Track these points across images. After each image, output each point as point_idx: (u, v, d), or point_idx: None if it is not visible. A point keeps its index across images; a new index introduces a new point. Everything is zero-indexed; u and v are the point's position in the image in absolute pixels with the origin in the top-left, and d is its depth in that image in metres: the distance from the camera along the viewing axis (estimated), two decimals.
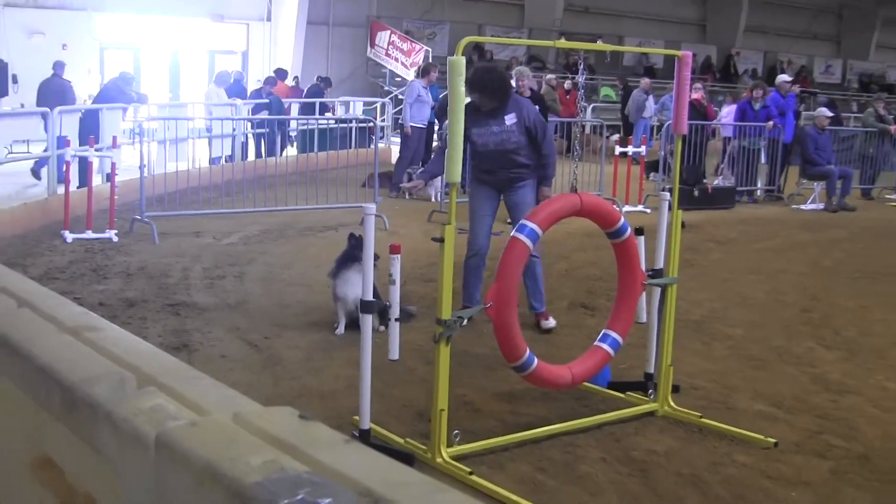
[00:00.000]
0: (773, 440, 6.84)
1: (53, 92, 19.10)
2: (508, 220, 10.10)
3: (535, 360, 6.62)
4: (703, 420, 7.14)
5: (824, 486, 6.23)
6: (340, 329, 9.10)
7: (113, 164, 14.13)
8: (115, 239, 13.02)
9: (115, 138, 15.15)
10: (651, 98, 26.36)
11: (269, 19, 31.37)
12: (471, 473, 5.97)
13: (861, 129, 24.16)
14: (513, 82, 16.98)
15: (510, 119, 9.19)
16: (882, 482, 6.35)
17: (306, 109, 24.14)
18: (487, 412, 7.29)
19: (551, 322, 9.63)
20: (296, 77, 28.10)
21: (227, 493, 1.64)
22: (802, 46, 47.20)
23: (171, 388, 2.07)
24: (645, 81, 27.27)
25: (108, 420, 1.98)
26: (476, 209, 9.58)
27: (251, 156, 22.00)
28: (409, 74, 26.89)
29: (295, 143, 23.15)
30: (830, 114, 22.19)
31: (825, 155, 21.01)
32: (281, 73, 26.32)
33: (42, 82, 19.89)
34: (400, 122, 19.90)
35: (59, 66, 20.02)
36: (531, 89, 16.44)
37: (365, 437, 6.26)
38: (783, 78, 22.94)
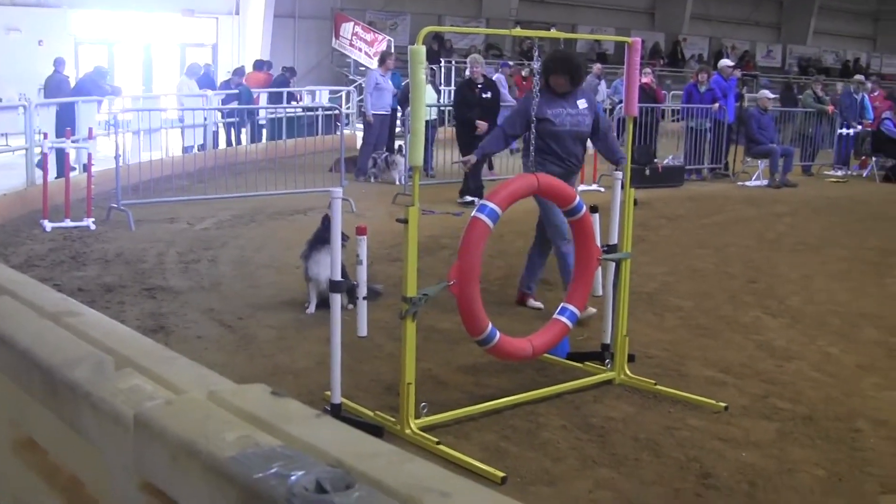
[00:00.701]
0: (723, 404, 6.88)
1: (51, 87, 19.25)
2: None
3: (498, 333, 6.62)
4: (657, 387, 7.18)
5: (772, 447, 6.27)
6: (311, 308, 9.08)
7: (89, 155, 14.02)
8: (93, 227, 12.92)
9: (90, 130, 15.06)
10: (603, 82, 26.37)
11: (237, 13, 31.19)
12: (438, 443, 5.97)
13: (801, 109, 24.25)
14: (467, 71, 17.05)
15: (582, 104, 8.96)
16: (825, 441, 6.40)
17: (274, 99, 24.05)
18: (453, 384, 7.29)
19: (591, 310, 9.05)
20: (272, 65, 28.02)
21: (204, 468, 1.63)
22: (745, 32, 47.37)
23: (148, 368, 2.05)
24: (597, 67, 27.24)
25: (87, 401, 1.96)
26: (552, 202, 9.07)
27: (222, 144, 21.90)
28: (373, 64, 26.77)
29: (264, 131, 23.07)
30: (772, 95, 22.28)
31: (768, 134, 21.10)
32: (259, 64, 26.32)
33: (46, 78, 19.98)
34: (362, 109, 19.84)
35: (59, 63, 20.05)
36: (483, 75, 16.45)
37: (336, 411, 6.24)
38: (725, 62, 23.00)
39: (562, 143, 8.90)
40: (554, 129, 8.79)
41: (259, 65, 26.35)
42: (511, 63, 27.80)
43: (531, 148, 7.95)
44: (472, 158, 9.45)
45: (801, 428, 6.61)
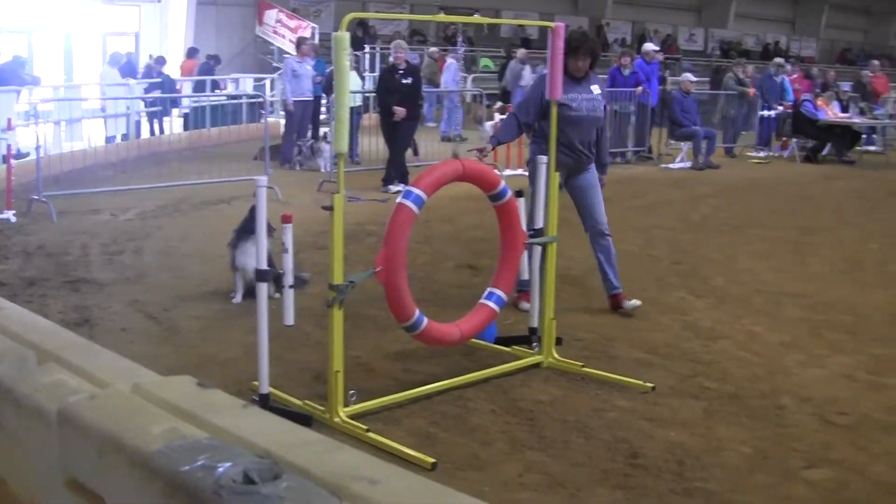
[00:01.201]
0: (650, 385, 6.93)
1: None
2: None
3: (425, 319, 6.62)
4: (585, 369, 7.21)
5: (699, 426, 6.32)
6: (238, 298, 9.02)
7: (8, 146, 13.84)
8: (14, 219, 12.72)
9: (9, 120, 14.85)
10: (527, 67, 26.39)
11: (159, 1, 30.88)
12: (367, 431, 5.96)
13: (723, 91, 24.46)
14: (390, 57, 16.99)
15: (596, 89, 8.70)
16: (751, 418, 6.47)
17: (198, 87, 23.87)
18: (381, 371, 7.28)
19: (634, 302, 9.06)
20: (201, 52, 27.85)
21: (130, 463, 1.61)
22: (667, 17, 47.61)
23: (71, 362, 2.02)
24: (522, 52, 27.29)
25: (9, 397, 1.93)
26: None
27: (145, 133, 21.70)
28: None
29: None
30: (694, 78, 22.45)
31: (691, 117, 21.26)
32: (192, 52, 26.18)
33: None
34: (283, 98, 19.74)
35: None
36: (407, 61, 16.39)
37: (264, 401, 6.21)
38: (648, 46, 23.14)
39: (578, 130, 8.58)
40: (572, 114, 8.42)
41: (192, 52, 26.20)
42: (436, 49, 27.75)
43: (534, 136, 8.13)
44: (489, 147, 8.44)
45: (727, 406, 6.68)
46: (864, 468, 5.75)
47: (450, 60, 24.72)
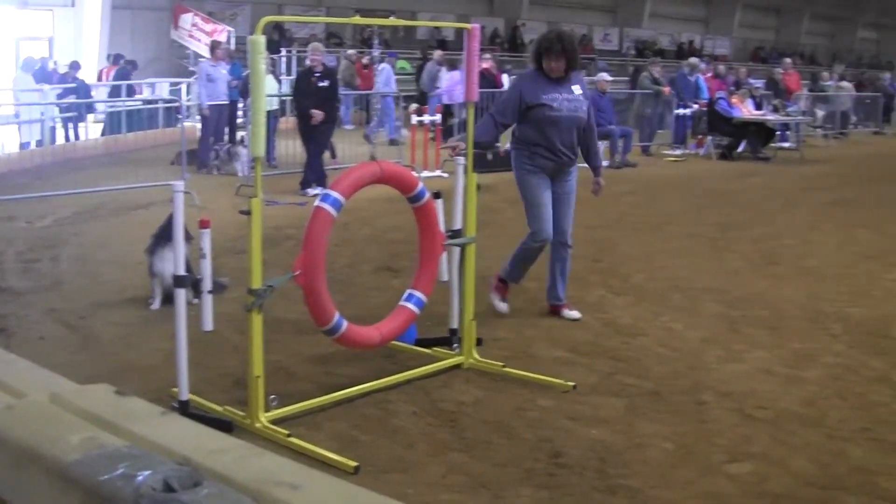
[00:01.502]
0: (571, 383, 6.97)
1: None
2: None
3: (345, 322, 6.61)
4: (505, 369, 7.23)
5: (621, 423, 6.37)
6: (156, 304, 8.95)
7: None
8: None
9: None
10: (444, 69, 26.43)
11: (73, 5, 30.51)
12: (289, 436, 5.94)
13: (638, 90, 24.66)
14: (307, 60, 16.93)
15: (577, 89, 8.48)
16: (672, 414, 6.53)
17: (114, 92, 23.67)
18: (302, 375, 7.25)
19: (575, 313, 8.93)
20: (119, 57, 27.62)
21: (48, 473, 1.59)
22: (582, 17, 47.94)
23: None
24: (438, 53, 27.34)
25: None
26: (537, 197, 8.61)
27: (60, 139, 21.46)
28: None
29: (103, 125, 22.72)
30: (609, 78, 22.62)
31: (606, 116, 21.39)
32: (117, 58, 26.07)
33: None
34: (198, 102, 19.62)
35: None
36: (323, 64, 16.33)
37: (184, 407, 6.17)
38: None
39: (558, 132, 8.40)
40: (552, 114, 8.32)
41: (116, 58, 26.12)
42: (354, 52, 27.71)
43: (513, 139, 8.07)
44: (461, 145, 8.09)
45: (648, 403, 6.74)
46: (784, 461, 5.82)
47: (383, 65, 24.70)
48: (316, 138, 15.87)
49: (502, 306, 8.98)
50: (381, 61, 25.86)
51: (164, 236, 8.74)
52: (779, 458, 5.87)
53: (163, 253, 8.73)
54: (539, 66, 8.44)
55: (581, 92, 8.51)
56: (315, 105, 15.42)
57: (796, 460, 5.84)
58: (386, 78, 24.87)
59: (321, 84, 15.70)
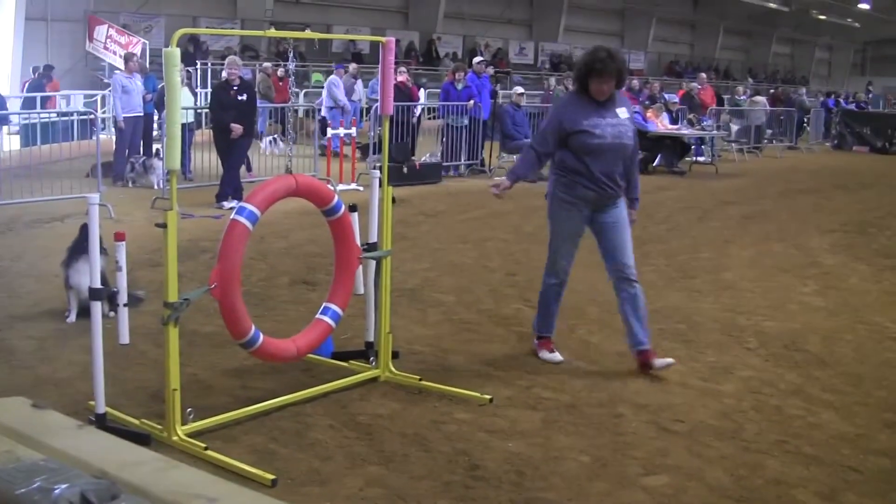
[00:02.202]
0: (488, 396, 6.99)
1: None
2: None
3: (261, 335, 6.59)
4: (422, 383, 7.24)
5: (537, 435, 6.40)
6: (72, 317, 8.85)
7: None
8: None
9: None
10: (359, 82, 26.42)
11: None
12: (206, 449, 5.90)
13: (552, 105, 24.79)
14: (224, 73, 16.81)
15: (623, 113, 7.69)
16: (589, 427, 6.58)
17: (28, 104, 23.39)
18: (219, 389, 7.21)
19: (667, 360, 7.82)
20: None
21: None
22: (498, 30, 48.21)
23: None
24: (353, 67, 27.34)
25: None
26: (566, 231, 7.90)
27: None
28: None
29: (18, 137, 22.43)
30: (522, 91, 22.75)
31: (522, 129, 21.53)
32: (48, 68, 26.07)
33: None
34: (113, 114, 19.42)
35: None
36: (240, 77, 16.21)
37: (101, 421, 6.12)
38: (478, 59, 23.38)
39: (601, 160, 7.56)
40: (594, 141, 7.52)
41: (47, 68, 26.08)
42: (269, 65, 27.58)
43: (553, 167, 7.59)
44: (506, 182, 7.95)
45: (565, 416, 6.78)
46: (700, 473, 5.88)
47: (333, 77, 24.66)
48: (234, 151, 15.75)
49: (554, 356, 8.05)
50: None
51: (79, 249, 8.66)
52: (695, 470, 5.93)
53: (78, 265, 8.65)
54: (581, 88, 7.71)
55: (627, 115, 7.75)
56: (234, 118, 15.31)
57: (712, 473, 5.91)
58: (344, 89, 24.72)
59: (240, 98, 15.56)
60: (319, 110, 21.81)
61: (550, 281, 8.12)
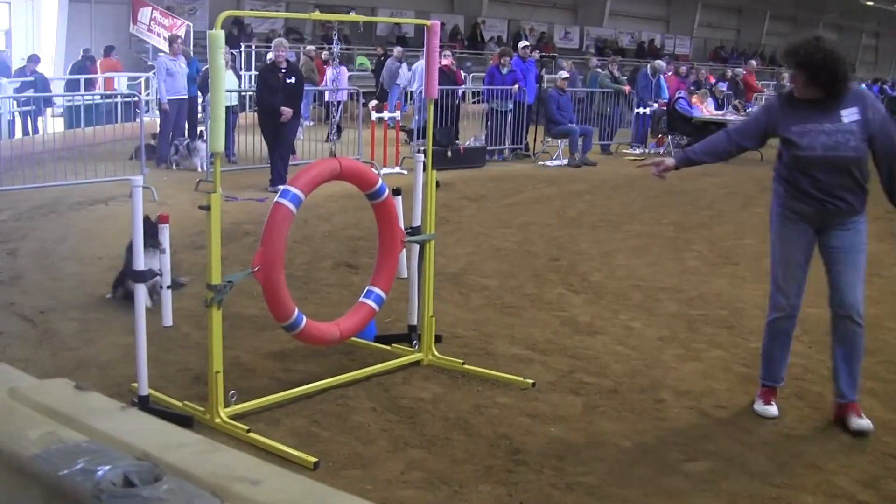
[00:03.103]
0: (530, 381, 6.98)
1: None
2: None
3: (304, 318, 6.60)
4: (465, 366, 7.24)
5: (580, 420, 6.39)
6: (116, 295, 8.88)
7: None
8: None
9: None
10: (404, 65, 26.41)
11: None
12: (248, 431, 5.93)
13: (599, 89, 24.71)
14: (270, 54, 16.80)
15: (850, 115, 6.16)
16: (631, 412, 6.56)
17: (72, 86, 23.51)
18: (261, 371, 7.24)
19: (864, 422, 6.37)
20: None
21: (7, 468, 1.59)
22: (543, 14, 47.99)
23: None
24: (398, 50, 27.34)
25: None
26: (785, 252, 6.49)
27: (18, 133, 21.30)
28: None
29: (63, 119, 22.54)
30: (567, 75, 22.67)
31: (567, 114, 21.47)
32: (108, 50, 26.26)
33: None
34: (157, 97, 19.47)
35: None
36: (287, 60, 16.19)
37: (144, 403, 6.16)
38: (523, 44, 23.31)
39: (810, 175, 6.25)
40: (800, 154, 6.24)
41: (108, 50, 26.23)
42: (313, 48, 27.61)
43: (775, 172, 6.48)
44: (671, 162, 6.73)
45: (606, 401, 6.77)
46: (741, 459, 5.86)
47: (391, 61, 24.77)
48: (282, 135, 15.73)
49: (769, 410, 6.67)
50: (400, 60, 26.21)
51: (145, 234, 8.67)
52: (736, 456, 5.91)
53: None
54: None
55: (857, 118, 6.16)
56: (282, 102, 15.30)
57: (754, 459, 5.88)
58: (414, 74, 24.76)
59: (288, 80, 15.54)
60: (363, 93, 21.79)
61: (773, 315, 6.66)
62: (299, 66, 18.99)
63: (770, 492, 5.46)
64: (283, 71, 15.69)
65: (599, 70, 25.91)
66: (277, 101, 15.39)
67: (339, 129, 20.81)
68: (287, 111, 15.28)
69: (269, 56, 16.88)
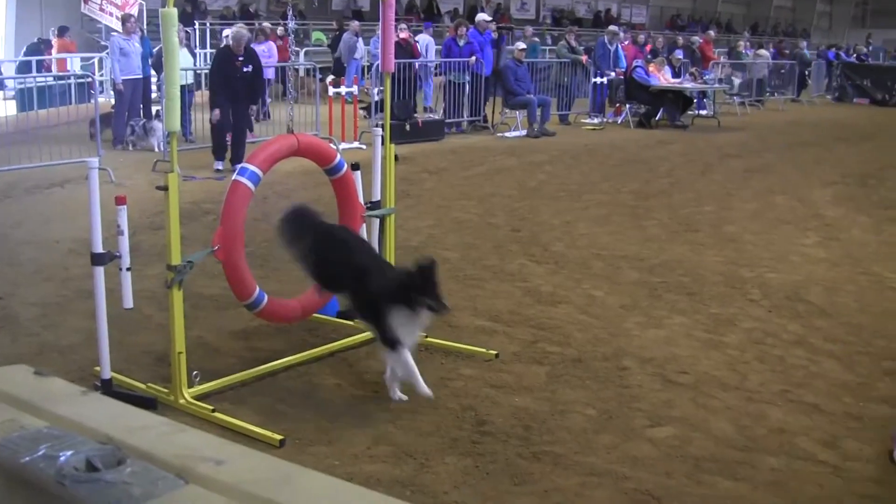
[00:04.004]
0: (494, 352, 7.00)
1: None
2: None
3: (266, 296, 6.59)
4: (428, 339, 7.22)
5: (544, 390, 6.41)
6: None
7: None
8: None
9: None
10: (360, 40, 26.31)
11: None
12: (213, 411, 5.91)
13: (556, 60, 24.71)
14: (227, 34, 16.51)
15: None
16: (594, 381, 6.58)
17: (24, 68, 23.31)
18: (225, 351, 7.22)
19: None
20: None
21: None
22: None
23: None
24: (354, 24, 27.23)
25: None
26: None
27: None
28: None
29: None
30: (524, 46, 22.66)
31: (524, 85, 21.46)
32: (62, 30, 25.86)
33: None
34: (111, 77, 19.28)
35: None
36: (245, 47, 15.57)
37: (107, 386, 6.13)
38: (481, 16, 23.26)
39: None
40: None
41: (62, 30, 25.93)
42: (269, 24, 27.46)
43: None
44: None
45: (570, 370, 6.79)
46: (705, 424, 5.90)
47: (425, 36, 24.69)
48: (237, 121, 15.42)
49: None
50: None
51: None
52: (700, 421, 5.95)
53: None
54: None
55: None
56: (239, 91, 15.06)
57: (717, 423, 5.93)
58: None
59: (245, 70, 15.17)
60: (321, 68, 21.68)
61: None
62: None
63: (734, 455, 5.50)
64: (241, 59, 15.21)
65: (536, 39, 25.92)
66: (230, 93, 15.06)
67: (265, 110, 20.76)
68: (216, 114, 15.08)
69: (226, 34, 16.67)
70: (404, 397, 6.17)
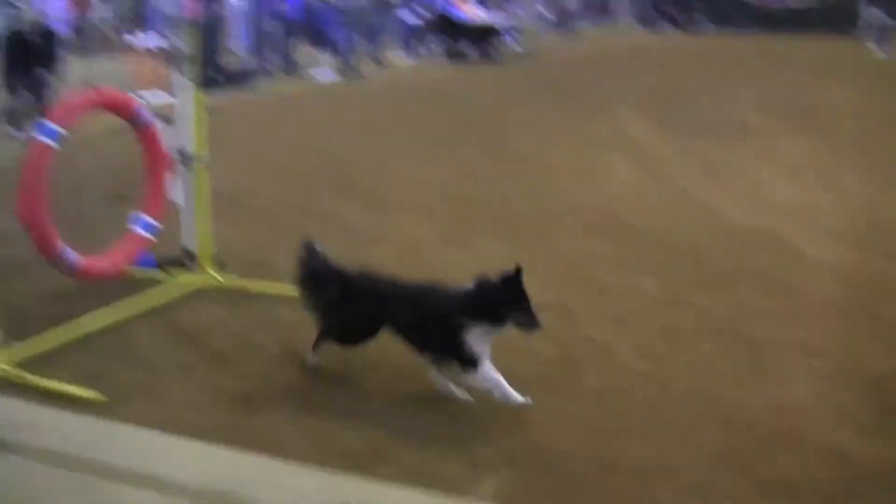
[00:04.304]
0: None
1: None
2: None
3: (74, 255, 6.48)
4: (246, 286, 7.20)
5: None
6: None
7: None
8: None
9: None
10: None
11: None
12: (31, 376, 5.76)
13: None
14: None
15: None
16: None
17: None
18: (38, 314, 6.99)
19: None
20: None
21: None
22: None
23: None
24: None
25: None
26: None
27: None
28: None
29: None
30: None
31: (333, 27, 21.31)
32: None
33: None
34: None
35: None
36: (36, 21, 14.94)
37: None
38: None
39: None
40: None
41: None
42: None
43: None
44: None
45: None
46: (529, 346, 5.98)
47: None
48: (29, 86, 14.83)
49: None
50: None
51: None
52: (523, 343, 6.03)
53: None
54: None
55: None
56: (31, 63, 14.47)
57: (543, 346, 6.01)
58: None
59: (34, 41, 14.57)
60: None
61: None
62: None
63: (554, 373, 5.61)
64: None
65: None
66: (19, 71, 14.38)
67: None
68: None
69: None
70: (470, 398, 5.50)
